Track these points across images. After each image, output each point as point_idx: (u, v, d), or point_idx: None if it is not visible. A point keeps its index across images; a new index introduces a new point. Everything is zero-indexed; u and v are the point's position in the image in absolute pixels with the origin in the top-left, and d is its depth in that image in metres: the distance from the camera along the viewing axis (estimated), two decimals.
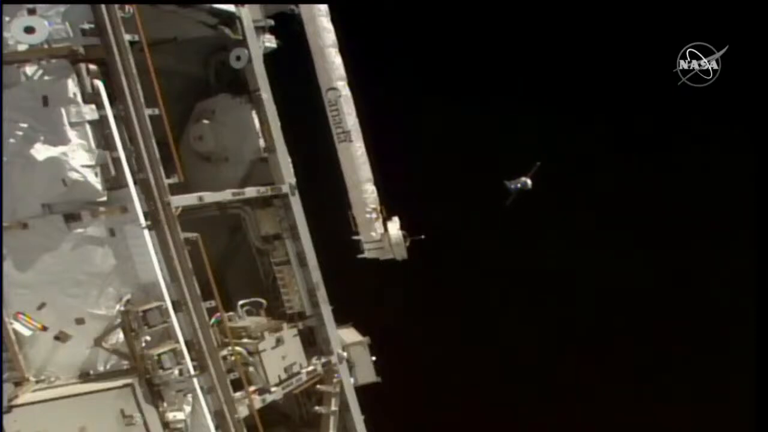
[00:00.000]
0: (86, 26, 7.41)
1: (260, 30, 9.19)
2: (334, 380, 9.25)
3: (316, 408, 9.30)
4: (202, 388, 7.72)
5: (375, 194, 9.41)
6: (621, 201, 15.96)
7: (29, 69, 7.29)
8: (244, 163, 9.53)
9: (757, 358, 12.53)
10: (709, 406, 15.19)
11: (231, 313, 8.82)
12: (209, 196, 8.42)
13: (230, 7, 8.85)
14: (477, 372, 16.65)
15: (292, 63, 9.54)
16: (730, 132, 14.82)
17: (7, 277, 7.41)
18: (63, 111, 7.27)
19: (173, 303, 7.58)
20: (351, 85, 9.19)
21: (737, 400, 14.26)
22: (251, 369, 8.36)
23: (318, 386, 9.26)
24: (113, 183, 7.53)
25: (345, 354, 9.47)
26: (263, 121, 9.15)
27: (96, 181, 7.42)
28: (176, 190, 7.85)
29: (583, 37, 14.95)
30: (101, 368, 7.63)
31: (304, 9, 9.08)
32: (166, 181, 7.67)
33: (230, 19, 8.92)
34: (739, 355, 14.40)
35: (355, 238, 9.51)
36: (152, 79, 7.70)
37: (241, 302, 9.01)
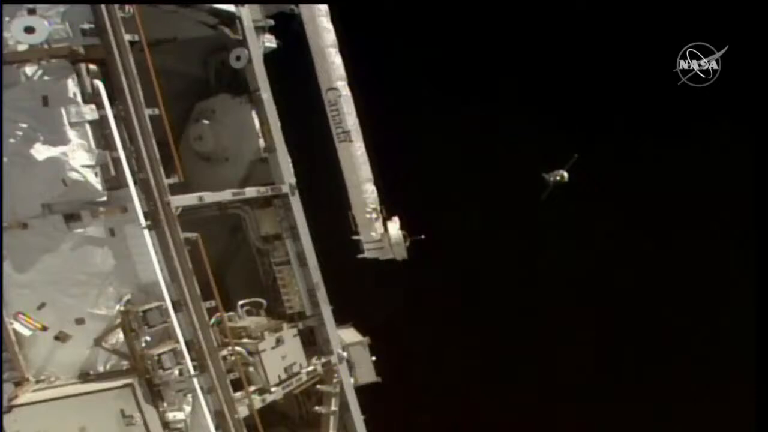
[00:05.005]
0: (86, 26, 7.38)
1: (260, 30, 9.17)
2: (334, 380, 9.25)
3: (316, 408, 9.30)
4: (202, 388, 7.71)
5: (375, 194, 9.39)
6: (620, 201, 15.98)
7: (29, 69, 7.26)
8: (244, 163, 9.50)
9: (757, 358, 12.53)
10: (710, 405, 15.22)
11: (231, 313, 8.81)
12: (209, 196, 8.41)
13: (230, 7, 8.82)
14: (477, 372, 16.66)
15: (292, 63, 9.54)
16: (729, 132, 14.84)
17: (7, 277, 7.40)
18: (63, 111, 7.25)
19: (173, 303, 7.57)
20: (351, 85, 9.19)
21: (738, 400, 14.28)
22: (251, 369, 8.36)
23: (318, 386, 9.25)
24: (113, 183, 7.51)
25: (345, 354, 9.46)
26: (263, 121, 9.13)
27: (96, 181, 7.40)
28: (176, 190, 7.83)
29: (583, 37, 14.96)
30: (101, 368, 7.61)
31: (304, 9, 9.06)
32: (166, 181, 7.66)
33: (230, 19, 8.89)
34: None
35: (355, 238, 9.50)
36: (152, 79, 7.69)
37: (241, 302, 9.01)
